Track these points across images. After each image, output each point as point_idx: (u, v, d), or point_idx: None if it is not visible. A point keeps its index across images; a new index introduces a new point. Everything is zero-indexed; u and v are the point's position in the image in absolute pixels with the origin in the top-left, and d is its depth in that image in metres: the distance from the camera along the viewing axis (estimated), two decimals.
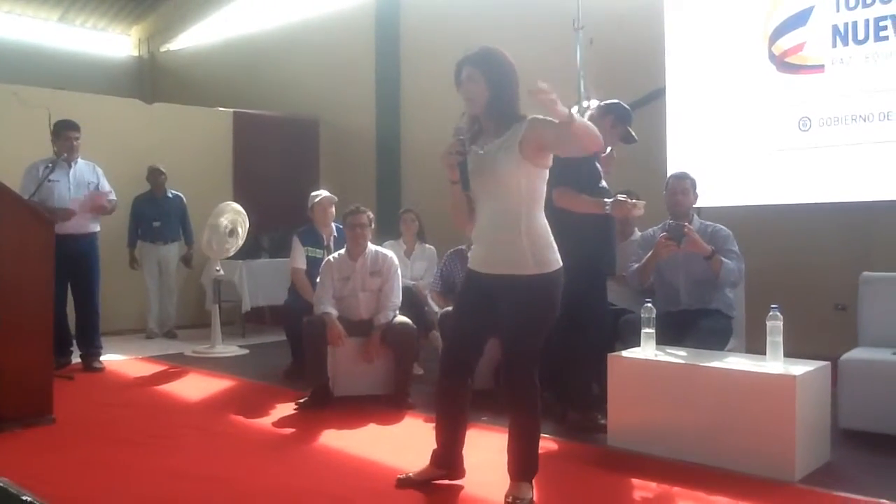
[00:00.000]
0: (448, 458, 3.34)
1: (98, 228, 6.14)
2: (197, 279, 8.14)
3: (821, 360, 3.70)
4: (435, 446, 3.37)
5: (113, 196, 6.22)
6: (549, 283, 3.00)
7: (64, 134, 5.96)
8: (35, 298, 4.38)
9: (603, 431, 4.06)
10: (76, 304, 6.10)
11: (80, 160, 6.08)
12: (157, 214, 7.69)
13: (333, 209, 6.06)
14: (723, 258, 4.29)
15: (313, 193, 6.11)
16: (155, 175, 7.71)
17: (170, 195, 7.78)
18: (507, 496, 3.06)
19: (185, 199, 7.84)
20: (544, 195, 3.06)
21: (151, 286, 7.84)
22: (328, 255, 5.82)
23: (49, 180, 5.83)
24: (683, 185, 4.55)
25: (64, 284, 5.94)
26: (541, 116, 2.93)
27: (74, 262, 5.89)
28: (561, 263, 3.04)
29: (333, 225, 6.03)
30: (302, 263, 5.88)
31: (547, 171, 3.05)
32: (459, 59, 3.08)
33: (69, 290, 6.02)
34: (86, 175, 6.08)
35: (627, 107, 4.43)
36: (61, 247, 5.68)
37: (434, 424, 3.37)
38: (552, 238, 3.04)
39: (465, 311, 3.22)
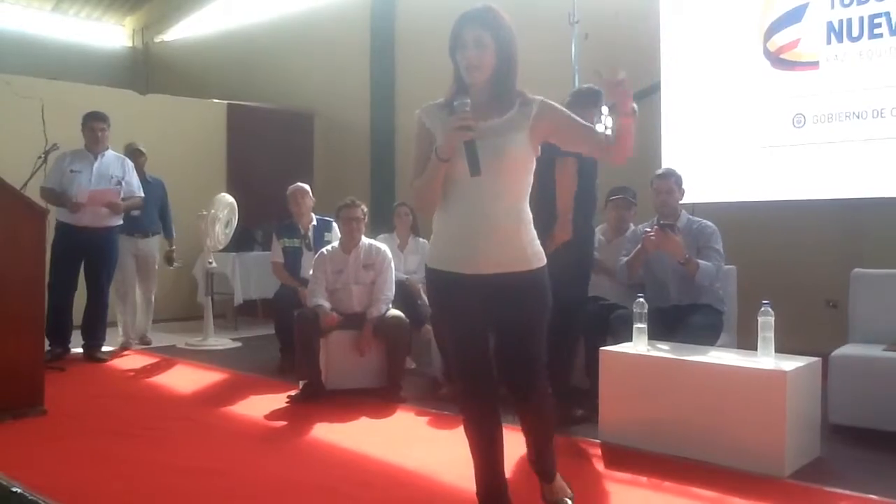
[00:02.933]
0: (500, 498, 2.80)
1: (118, 223, 6.16)
2: (189, 271, 8.11)
3: (812, 356, 3.71)
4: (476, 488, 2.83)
5: (140, 193, 6.25)
6: (544, 277, 2.67)
7: (89, 125, 6.01)
8: (26, 289, 4.36)
9: (580, 423, 4.08)
10: (88, 295, 6.13)
11: (110, 153, 6.14)
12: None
13: (309, 199, 6.18)
14: (700, 261, 4.30)
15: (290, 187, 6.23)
16: (134, 156, 6.62)
17: (149, 179, 6.76)
18: (552, 497, 2.89)
19: (165, 185, 7.01)
20: (531, 185, 2.67)
21: (122, 287, 6.63)
22: (305, 244, 5.92)
23: (72, 171, 5.90)
24: (668, 185, 4.55)
25: (75, 276, 5.98)
26: (553, 103, 2.62)
27: (88, 254, 5.98)
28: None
29: (313, 215, 6.11)
30: (279, 257, 6.11)
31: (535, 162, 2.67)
32: (459, 17, 2.54)
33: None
34: (111, 168, 6.10)
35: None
36: (76, 238, 5.79)
37: (472, 457, 2.81)
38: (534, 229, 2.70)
39: (463, 324, 2.68)
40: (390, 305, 5.14)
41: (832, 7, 5.25)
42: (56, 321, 5.69)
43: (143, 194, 6.30)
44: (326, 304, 5.00)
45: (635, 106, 2.47)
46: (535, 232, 2.66)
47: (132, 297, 6.78)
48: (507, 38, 2.53)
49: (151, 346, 6.82)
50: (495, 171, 2.51)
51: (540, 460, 2.87)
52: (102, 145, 6.07)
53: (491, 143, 2.50)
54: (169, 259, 7.07)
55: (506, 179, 2.54)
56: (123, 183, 6.13)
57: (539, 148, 2.63)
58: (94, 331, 6.19)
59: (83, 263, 6.01)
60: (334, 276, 5.12)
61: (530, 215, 2.66)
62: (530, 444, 2.86)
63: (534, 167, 2.64)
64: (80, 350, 6.16)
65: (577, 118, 2.65)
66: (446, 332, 2.81)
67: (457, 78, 2.60)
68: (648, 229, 4.38)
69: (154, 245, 6.91)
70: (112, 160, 6.12)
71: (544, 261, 2.67)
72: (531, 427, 2.81)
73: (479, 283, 2.58)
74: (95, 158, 6.02)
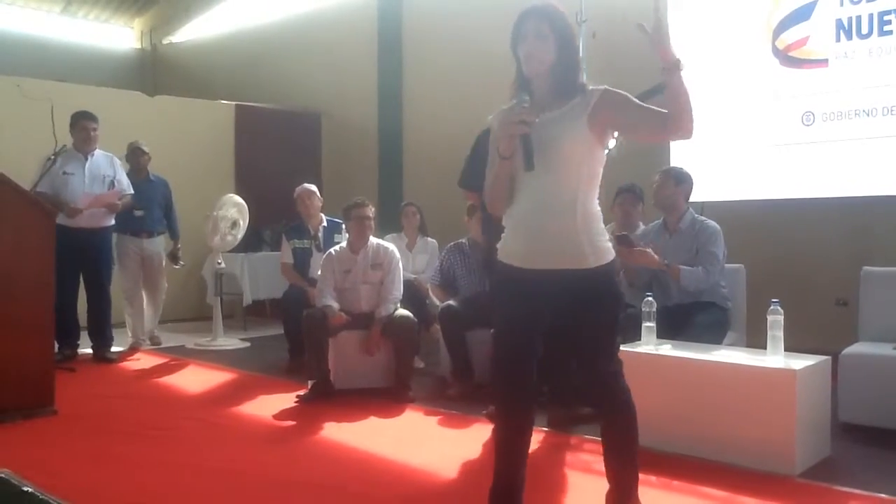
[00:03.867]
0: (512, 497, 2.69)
1: (111, 223, 6.19)
2: (198, 272, 8.13)
3: (822, 355, 3.70)
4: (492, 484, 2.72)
5: (130, 190, 6.26)
6: (609, 276, 2.56)
7: (80, 124, 5.97)
8: (35, 290, 4.38)
9: (586, 423, 4.08)
10: (88, 297, 6.15)
11: (98, 152, 6.10)
12: (139, 201, 6.42)
13: (317, 200, 6.21)
14: (682, 267, 4.29)
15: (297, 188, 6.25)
16: (136, 154, 6.63)
17: (152, 178, 6.73)
18: None
19: (170, 184, 6.92)
20: (599, 179, 2.58)
21: (131, 288, 6.66)
22: (315, 244, 5.94)
23: (64, 172, 5.86)
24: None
25: (76, 277, 6.00)
26: (618, 90, 2.52)
27: (86, 255, 5.98)
28: (614, 253, 2.61)
29: (323, 216, 6.13)
30: (289, 258, 6.14)
31: (605, 154, 2.59)
32: (523, 10, 2.53)
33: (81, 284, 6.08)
34: (102, 168, 6.10)
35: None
36: (73, 240, 5.77)
37: (495, 457, 2.72)
38: (602, 224, 2.60)
39: (515, 319, 2.60)
40: (398, 305, 5.14)
41: (841, 4, 5.22)
42: (62, 323, 5.70)
43: (132, 191, 6.28)
44: (335, 304, 5.00)
45: (679, 58, 2.37)
46: (600, 227, 2.56)
47: (139, 298, 6.76)
48: (567, 31, 2.53)
49: (161, 346, 6.84)
50: (549, 165, 2.48)
51: (618, 480, 2.68)
52: (94, 145, 6.04)
53: (546, 134, 2.48)
54: (174, 257, 6.95)
55: (561, 173, 2.50)
56: (115, 182, 6.13)
57: (606, 139, 2.56)
58: (102, 331, 6.20)
59: (81, 265, 5.99)
60: (342, 276, 5.13)
61: (594, 210, 2.56)
62: (609, 464, 2.69)
63: (599, 159, 2.56)
64: (90, 352, 6.18)
65: (642, 102, 2.53)
66: (495, 323, 2.70)
67: (518, 74, 2.58)
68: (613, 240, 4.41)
69: (159, 245, 6.82)
70: (101, 159, 6.11)
71: (609, 258, 2.55)
72: (609, 441, 2.67)
73: (536, 279, 2.53)
74: (86, 159, 6.00)
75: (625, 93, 2.52)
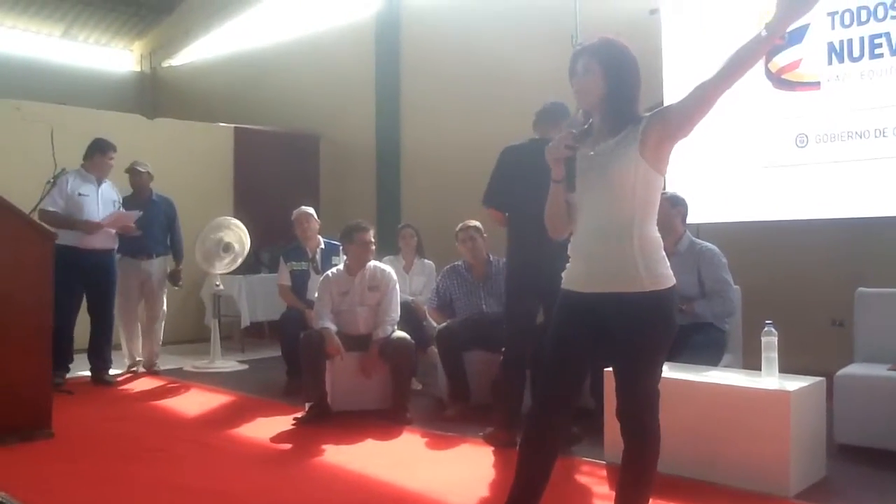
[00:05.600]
0: None
1: (117, 244, 6.24)
2: (197, 294, 8.14)
3: (817, 376, 3.71)
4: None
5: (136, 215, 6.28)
6: (664, 302, 2.56)
7: (108, 154, 6.10)
8: (33, 311, 4.38)
9: (576, 442, 4.09)
10: (92, 319, 6.16)
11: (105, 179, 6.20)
12: (139, 222, 6.21)
13: (314, 222, 6.25)
14: (696, 305, 4.39)
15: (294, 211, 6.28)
16: (133, 174, 6.51)
17: (155, 198, 6.59)
18: None
19: (175, 204, 6.78)
20: (657, 206, 2.63)
21: (126, 311, 6.54)
22: (313, 266, 5.97)
23: (80, 194, 5.94)
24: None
25: (79, 299, 6.00)
26: (664, 107, 2.66)
27: (94, 276, 6.02)
28: (675, 280, 2.62)
29: (321, 238, 6.16)
30: (286, 280, 6.17)
31: (662, 180, 2.66)
32: (576, 49, 2.73)
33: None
34: (110, 194, 6.20)
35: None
36: (82, 260, 5.82)
37: (516, 470, 2.77)
38: (664, 252, 2.62)
39: (566, 341, 2.65)
40: (396, 327, 5.16)
41: (833, 28, 5.27)
42: (59, 345, 5.69)
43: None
44: (333, 326, 5.02)
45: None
46: (660, 255, 2.59)
47: (136, 320, 6.64)
48: (617, 65, 2.63)
49: (158, 369, 6.78)
50: (601, 190, 2.57)
51: None
52: (109, 173, 6.18)
53: (601, 163, 2.58)
54: (174, 278, 6.73)
55: (612, 198, 2.55)
56: (120, 207, 6.20)
57: (663, 164, 2.62)
58: (101, 354, 6.20)
59: (86, 286, 6.01)
60: (340, 298, 5.14)
61: (653, 235, 2.59)
62: (623, 492, 2.69)
63: (656, 186, 2.61)
64: (88, 373, 6.17)
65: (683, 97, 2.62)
66: (546, 342, 2.72)
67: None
68: None
69: (159, 267, 6.64)
70: (107, 187, 6.19)
71: (666, 284, 2.57)
72: (629, 469, 2.66)
73: (590, 302, 2.59)
74: (98, 183, 6.08)
75: (669, 104, 2.65)
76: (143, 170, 6.58)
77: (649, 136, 2.55)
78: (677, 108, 2.59)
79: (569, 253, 2.71)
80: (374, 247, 5.20)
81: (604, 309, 2.56)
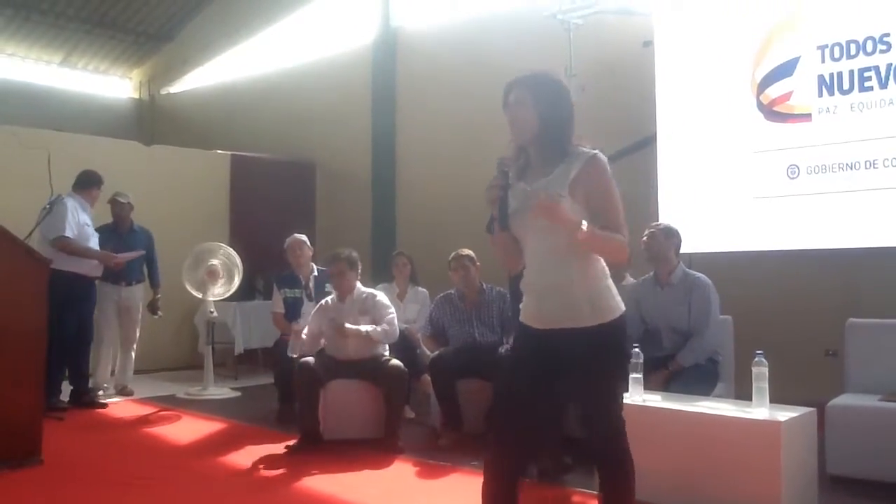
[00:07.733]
0: None
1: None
2: (190, 320, 8.12)
3: (808, 406, 3.72)
4: None
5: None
6: (613, 332, 2.56)
7: (119, 203, 6.48)
8: (27, 339, 4.38)
9: (568, 472, 4.09)
10: (79, 341, 6.16)
11: None
12: (119, 250, 6.38)
13: (307, 250, 6.26)
14: (679, 357, 4.39)
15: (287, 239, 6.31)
16: (114, 206, 6.64)
17: (135, 228, 6.79)
18: None
19: (153, 235, 6.94)
20: None
21: (106, 335, 6.66)
22: (306, 293, 5.98)
23: (87, 224, 6.07)
24: (651, 233, 4.63)
25: (74, 324, 6.01)
26: (602, 165, 2.55)
27: (84, 301, 6.11)
28: (623, 308, 2.61)
29: (314, 265, 6.18)
30: (280, 307, 6.17)
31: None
32: (510, 80, 2.68)
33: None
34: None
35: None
36: (78, 287, 5.91)
37: None
38: (610, 281, 2.61)
39: (523, 380, 2.62)
40: (393, 331, 5.18)
41: (823, 61, 5.35)
42: (55, 373, 5.72)
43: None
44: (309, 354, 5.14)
45: (578, 220, 2.42)
46: (604, 284, 2.58)
47: (109, 345, 6.71)
48: (549, 99, 2.59)
49: (151, 396, 6.79)
50: (541, 228, 2.52)
51: None
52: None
53: (535, 199, 2.51)
54: (153, 308, 6.89)
55: (548, 233, 2.52)
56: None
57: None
58: (79, 368, 6.23)
59: (79, 311, 6.07)
60: (331, 324, 5.16)
61: (594, 265, 2.57)
62: None
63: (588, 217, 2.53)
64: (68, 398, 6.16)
65: (613, 201, 2.55)
66: (501, 378, 2.71)
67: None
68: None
69: (137, 294, 6.78)
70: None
71: (613, 315, 2.56)
72: (606, 500, 2.66)
73: (544, 338, 2.59)
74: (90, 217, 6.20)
75: (606, 175, 2.54)
76: (124, 201, 6.67)
77: (577, 187, 2.51)
78: (595, 212, 2.51)
79: (521, 288, 2.70)
80: (347, 274, 5.19)
81: (556, 344, 2.55)
